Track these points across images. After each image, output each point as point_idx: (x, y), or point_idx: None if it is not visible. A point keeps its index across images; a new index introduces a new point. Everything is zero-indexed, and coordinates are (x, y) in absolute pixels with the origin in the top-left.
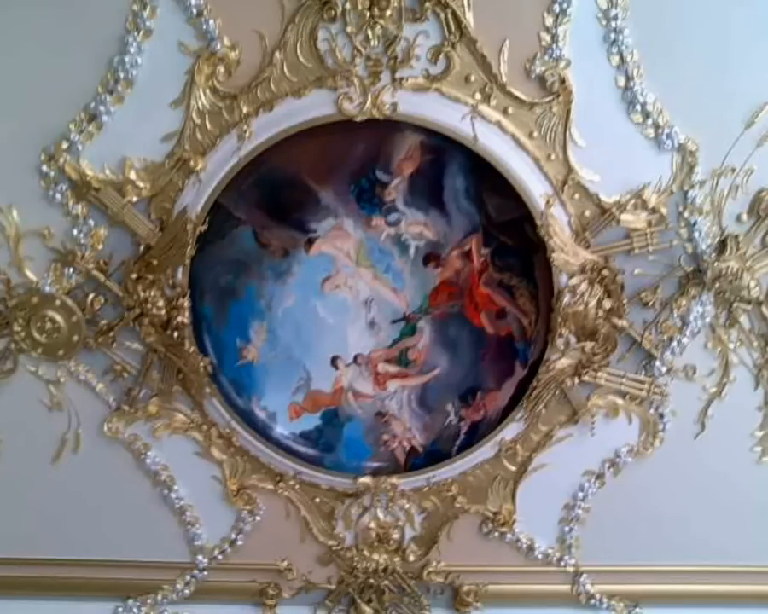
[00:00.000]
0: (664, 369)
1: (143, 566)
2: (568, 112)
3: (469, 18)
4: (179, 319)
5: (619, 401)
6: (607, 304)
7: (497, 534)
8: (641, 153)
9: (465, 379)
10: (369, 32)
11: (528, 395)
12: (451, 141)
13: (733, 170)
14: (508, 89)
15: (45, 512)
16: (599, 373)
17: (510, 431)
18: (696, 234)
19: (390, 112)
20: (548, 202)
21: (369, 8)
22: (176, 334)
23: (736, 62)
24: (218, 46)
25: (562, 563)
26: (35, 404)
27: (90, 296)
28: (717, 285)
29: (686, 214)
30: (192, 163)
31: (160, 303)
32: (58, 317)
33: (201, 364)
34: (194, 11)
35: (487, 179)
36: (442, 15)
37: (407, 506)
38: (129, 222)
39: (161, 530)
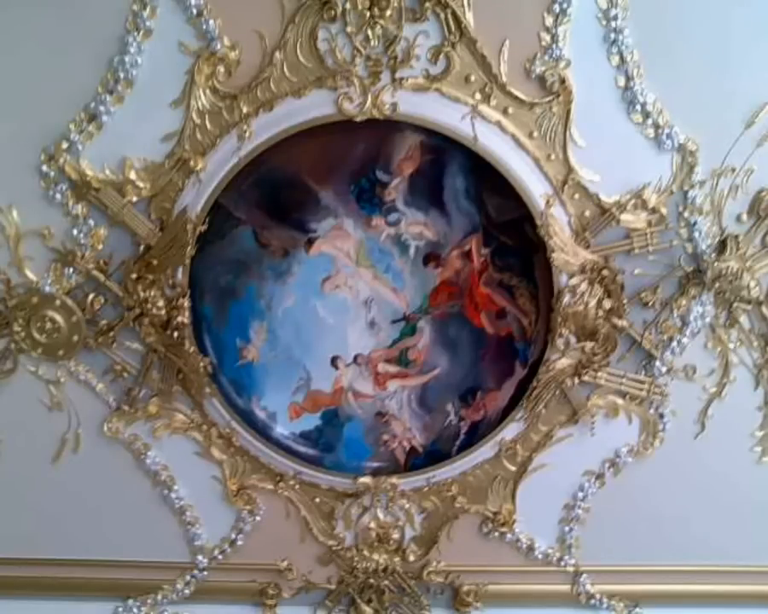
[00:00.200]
0: (664, 369)
1: (143, 566)
2: (568, 112)
3: (469, 18)
4: (179, 319)
5: (619, 401)
6: (607, 304)
7: (497, 534)
8: (641, 153)
9: (465, 379)
10: (369, 32)
11: (528, 395)
12: (451, 141)
13: (733, 170)
14: (508, 89)
15: (45, 512)
16: (599, 373)
17: (510, 431)
18: (696, 234)
19: (390, 112)
20: (548, 202)
21: (369, 8)
22: (176, 334)
23: (736, 62)
24: (218, 46)
25: (562, 563)
26: (35, 404)
27: (90, 296)
28: (717, 285)
29: (686, 214)
30: (192, 163)
31: (160, 303)
32: (58, 317)
33: (201, 364)
34: (194, 11)
35: (487, 179)
36: (442, 15)
37: (407, 506)
38: (129, 222)
39: (161, 530)
